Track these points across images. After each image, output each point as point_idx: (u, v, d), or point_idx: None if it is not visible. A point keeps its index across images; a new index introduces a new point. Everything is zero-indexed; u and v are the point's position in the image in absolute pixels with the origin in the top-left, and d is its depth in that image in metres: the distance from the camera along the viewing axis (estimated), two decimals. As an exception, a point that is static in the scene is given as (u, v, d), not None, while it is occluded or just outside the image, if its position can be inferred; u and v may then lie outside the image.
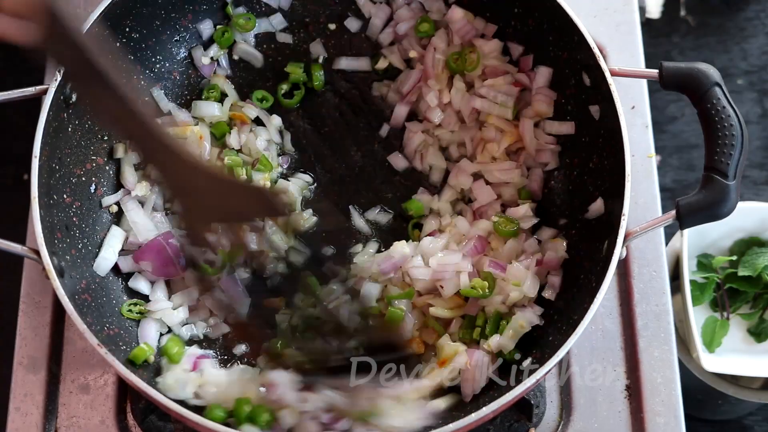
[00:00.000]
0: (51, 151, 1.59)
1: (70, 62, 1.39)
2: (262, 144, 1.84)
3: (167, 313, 1.68)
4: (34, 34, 1.32)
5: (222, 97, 1.88)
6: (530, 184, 1.80)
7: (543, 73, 1.79)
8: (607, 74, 1.62)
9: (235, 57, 1.92)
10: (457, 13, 1.84)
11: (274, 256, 1.75)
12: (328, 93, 1.94)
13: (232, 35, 1.90)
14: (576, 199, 1.75)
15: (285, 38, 1.94)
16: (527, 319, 1.62)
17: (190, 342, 1.70)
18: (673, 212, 1.52)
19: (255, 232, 1.61)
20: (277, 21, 1.93)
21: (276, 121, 1.87)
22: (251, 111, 1.86)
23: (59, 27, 1.32)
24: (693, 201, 1.51)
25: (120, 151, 1.77)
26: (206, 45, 1.90)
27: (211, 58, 1.89)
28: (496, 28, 1.85)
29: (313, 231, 1.80)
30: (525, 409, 1.69)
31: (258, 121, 1.87)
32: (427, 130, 1.87)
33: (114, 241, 1.71)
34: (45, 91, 1.58)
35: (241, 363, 1.70)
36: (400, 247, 1.71)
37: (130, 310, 1.68)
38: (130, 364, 1.58)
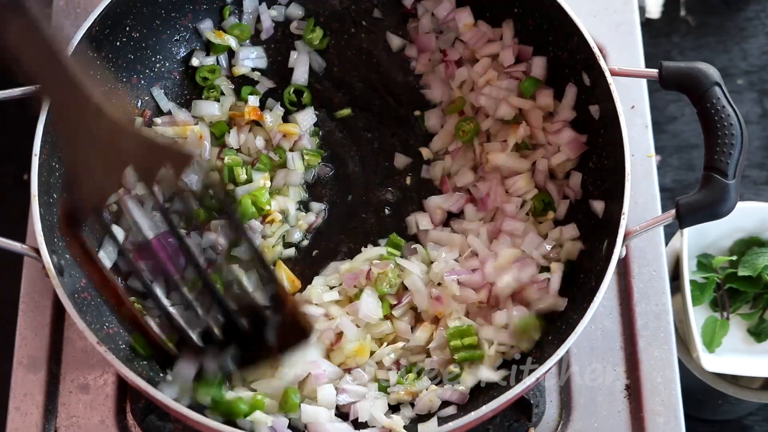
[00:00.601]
0: (51, 149, 1.59)
1: None
2: (261, 143, 1.84)
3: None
4: None
5: (222, 97, 1.88)
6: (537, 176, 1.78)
7: (538, 63, 1.78)
8: (607, 74, 1.62)
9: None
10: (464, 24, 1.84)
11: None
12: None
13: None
14: (576, 199, 1.74)
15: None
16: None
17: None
18: (673, 211, 1.52)
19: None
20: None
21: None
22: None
23: None
24: (693, 200, 1.51)
25: (120, 151, 1.77)
26: (206, 45, 1.90)
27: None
28: (501, 34, 1.84)
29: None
30: (524, 408, 1.69)
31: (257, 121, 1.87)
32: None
33: (113, 240, 1.70)
34: (45, 90, 1.58)
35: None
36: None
37: (129, 309, 1.67)
38: (133, 351, 1.57)
